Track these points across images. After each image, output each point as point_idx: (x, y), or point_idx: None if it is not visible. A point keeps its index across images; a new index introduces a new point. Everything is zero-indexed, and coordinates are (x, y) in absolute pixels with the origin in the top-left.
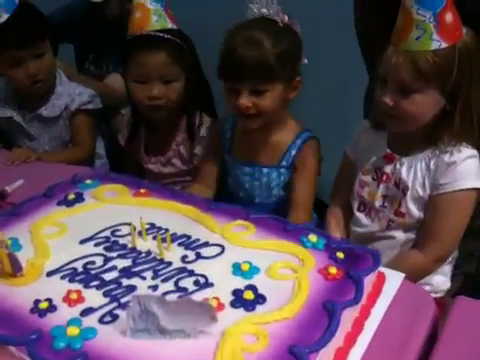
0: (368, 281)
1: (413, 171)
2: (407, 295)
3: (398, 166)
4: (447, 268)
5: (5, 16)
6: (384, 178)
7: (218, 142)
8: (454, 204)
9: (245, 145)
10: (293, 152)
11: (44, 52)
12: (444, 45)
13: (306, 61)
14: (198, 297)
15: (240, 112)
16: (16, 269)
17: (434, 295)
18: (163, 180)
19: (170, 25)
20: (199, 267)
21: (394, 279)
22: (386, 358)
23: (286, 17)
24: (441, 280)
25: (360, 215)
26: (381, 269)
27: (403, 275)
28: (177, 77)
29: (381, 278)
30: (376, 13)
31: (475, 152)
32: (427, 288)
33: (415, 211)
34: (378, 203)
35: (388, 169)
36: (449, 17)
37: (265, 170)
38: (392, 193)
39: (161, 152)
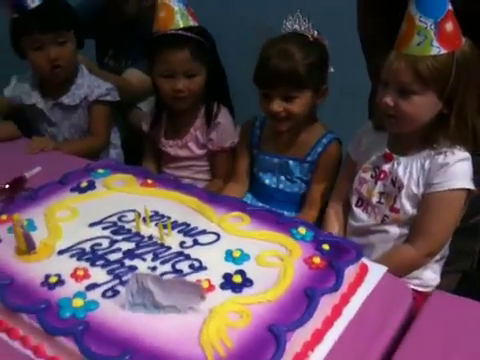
0: (350, 272)
1: (409, 170)
2: (387, 287)
3: (396, 165)
4: (437, 265)
5: (37, 2)
6: (382, 176)
7: (248, 141)
8: (444, 203)
9: (274, 142)
10: (319, 149)
11: (66, 41)
12: (443, 51)
13: (332, 70)
14: (192, 279)
15: (272, 115)
16: (30, 247)
17: (423, 289)
18: (179, 163)
19: (192, 23)
20: (195, 252)
21: (376, 271)
22: (360, 342)
23: (316, 32)
24: (430, 276)
25: (357, 210)
26: (365, 261)
27: (385, 268)
28: (199, 71)
29: (364, 270)
30: (377, 15)
31: (468, 155)
32: (416, 282)
33: (409, 208)
34: (375, 199)
35: (386, 167)
36: (449, 26)
37: (291, 162)
38: (388, 190)
39: (179, 136)
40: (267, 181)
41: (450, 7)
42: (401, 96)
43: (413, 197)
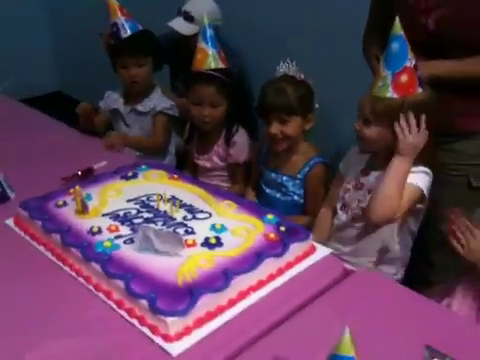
0: (300, 248)
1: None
2: (326, 263)
3: (370, 178)
4: (398, 261)
5: (129, 33)
6: (359, 186)
7: (257, 158)
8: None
9: (273, 160)
10: (306, 169)
11: (144, 64)
12: (395, 96)
13: (317, 106)
14: (183, 238)
15: (271, 138)
16: (85, 209)
17: None
18: (205, 173)
19: (221, 65)
20: (191, 223)
21: (322, 251)
22: (285, 295)
23: (302, 75)
24: (391, 271)
25: (340, 212)
26: (314, 244)
27: (329, 250)
28: (221, 103)
29: (312, 249)
30: (373, 31)
31: (422, 169)
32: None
33: None
34: (354, 205)
35: (364, 180)
36: (404, 77)
37: (285, 178)
38: (362, 197)
39: (206, 151)
40: (268, 191)
41: (408, 64)
42: (364, 124)
43: None
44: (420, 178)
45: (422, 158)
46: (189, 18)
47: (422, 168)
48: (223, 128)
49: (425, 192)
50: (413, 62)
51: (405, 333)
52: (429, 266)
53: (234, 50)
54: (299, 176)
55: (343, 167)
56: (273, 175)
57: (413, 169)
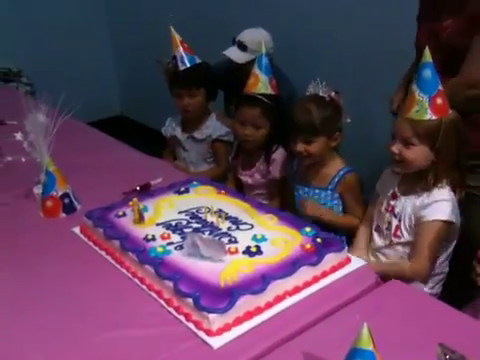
0: (335, 258)
1: (406, 206)
2: (360, 273)
3: (398, 202)
4: (435, 278)
5: (185, 66)
6: (390, 209)
7: (290, 174)
8: (427, 230)
9: (304, 175)
10: (336, 179)
11: (196, 95)
12: (434, 117)
13: (349, 120)
14: (226, 246)
15: (297, 154)
16: (141, 219)
17: None
18: (248, 189)
19: (269, 91)
20: (234, 233)
21: (356, 262)
22: (319, 301)
23: (333, 93)
24: (427, 287)
25: (375, 233)
26: (349, 255)
27: (364, 262)
28: (264, 125)
29: (347, 260)
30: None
31: (448, 196)
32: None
33: (406, 235)
34: (385, 226)
35: (392, 203)
36: (439, 100)
37: (317, 190)
38: (392, 220)
39: (249, 168)
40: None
41: (441, 87)
42: (405, 146)
43: (409, 227)
44: (441, 209)
45: (448, 178)
46: (242, 47)
47: (443, 195)
48: (264, 147)
49: (451, 219)
50: (442, 86)
51: (427, 340)
52: (470, 283)
53: (286, 76)
54: (330, 187)
55: (379, 187)
56: (305, 189)
57: (435, 198)
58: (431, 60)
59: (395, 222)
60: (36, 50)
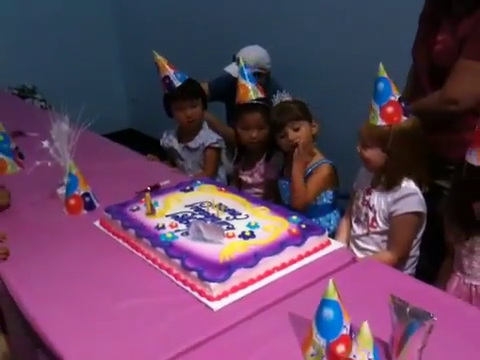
0: (317, 241)
1: (379, 200)
2: (338, 254)
3: (372, 196)
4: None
5: (179, 83)
6: (365, 203)
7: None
8: (401, 223)
9: (288, 170)
10: (310, 169)
11: (197, 105)
12: (384, 124)
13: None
14: (224, 231)
15: (291, 146)
16: (153, 212)
17: None
18: (247, 188)
19: (260, 95)
20: (232, 222)
21: (335, 245)
22: (300, 276)
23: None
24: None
25: (354, 224)
26: (329, 238)
27: (342, 244)
28: (265, 126)
29: (328, 242)
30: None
31: (414, 189)
32: None
33: (381, 225)
34: (362, 218)
35: (368, 197)
36: (389, 109)
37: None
38: (368, 212)
39: (249, 168)
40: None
41: (392, 98)
42: (363, 147)
43: (383, 218)
44: (410, 203)
45: (411, 175)
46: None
47: (409, 190)
48: (265, 147)
49: (419, 209)
50: (397, 97)
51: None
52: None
53: (280, 86)
54: (305, 176)
55: (355, 184)
56: (287, 182)
57: (402, 193)
58: (385, 75)
59: (371, 214)
60: (50, 68)
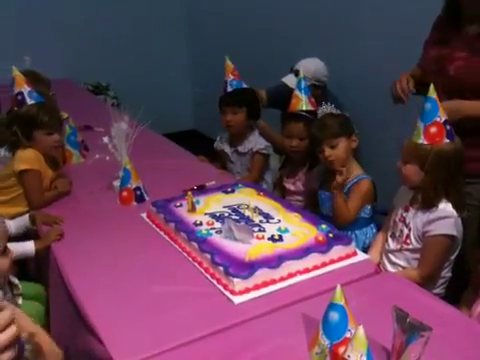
0: (342, 251)
1: (415, 218)
2: (361, 265)
3: (409, 213)
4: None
5: (233, 88)
6: (402, 219)
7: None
8: (432, 244)
9: (328, 182)
10: (351, 184)
11: (238, 113)
12: (425, 143)
13: (357, 131)
14: (255, 233)
15: (325, 161)
16: (193, 209)
17: None
18: (290, 195)
19: (310, 108)
20: (264, 225)
21: (361, 256)
22: (324, 282)
23: (339, 111)
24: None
25: (390, 239)
26: (356, 249)
27: (367, 256)
28: (307, 137)
29: (353, 253)
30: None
31: (450, 212)
32: None
33: (415, 243)
34: (398, 233)
35: (405, 214)
36: (433, 129)
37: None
38: (404, 229)
39: (293, 176)
40: (324, 212)
41: (438, 119)
42: (403, 163)
43: (417, 236)
44: (445, 226)
45: (450, 199)
46: (298, 75)
47: (446, 212)
48: (308, 156)
49: (452, 233)
50: (443, 119)
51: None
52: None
53: (340, 101)
54: (345, 190)
55: (395, 200)
56: (326, 193)
57: (438, 214)
58: (434, 96)
59: (406, 231)
60: (123, 68)
